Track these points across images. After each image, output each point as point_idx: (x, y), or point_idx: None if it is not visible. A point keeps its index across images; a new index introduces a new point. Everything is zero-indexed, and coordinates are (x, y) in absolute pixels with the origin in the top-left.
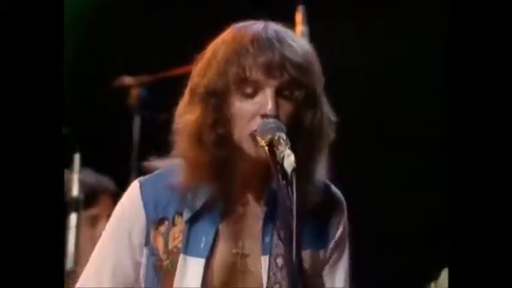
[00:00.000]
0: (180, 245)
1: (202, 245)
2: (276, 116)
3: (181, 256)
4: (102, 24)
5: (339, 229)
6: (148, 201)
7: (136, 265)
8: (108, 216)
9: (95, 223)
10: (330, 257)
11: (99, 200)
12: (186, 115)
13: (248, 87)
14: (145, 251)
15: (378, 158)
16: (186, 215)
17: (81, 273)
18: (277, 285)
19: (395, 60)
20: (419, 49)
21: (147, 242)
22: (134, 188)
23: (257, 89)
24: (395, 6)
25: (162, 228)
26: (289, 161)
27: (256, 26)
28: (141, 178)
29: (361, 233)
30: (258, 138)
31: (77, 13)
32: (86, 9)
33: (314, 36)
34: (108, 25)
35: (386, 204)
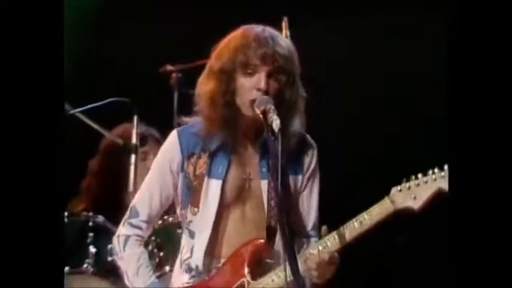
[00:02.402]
0: (204, 171)
1: (219, 171)
2: (267, 91)
3: (205, 178)
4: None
5: (312, 163)
6: (183, 142)
7: (175, 185)
8: (154, 153)
9: (145, 157)
10: (306, 183)
11: (148, 142)
12: (203, 85)
13: (249, 69)
14: (180, 175)
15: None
16: (208, 151)
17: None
18: (272, 200)
19: (394, 60)
20: (418, 49)
21: (182, 169)
22: (173, 134)
23: (255, 71)
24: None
25: (192, 160)
26: (276, 123)
27: (258, 28)
28: (178, 128)
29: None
30: (255, 109)
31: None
32: None
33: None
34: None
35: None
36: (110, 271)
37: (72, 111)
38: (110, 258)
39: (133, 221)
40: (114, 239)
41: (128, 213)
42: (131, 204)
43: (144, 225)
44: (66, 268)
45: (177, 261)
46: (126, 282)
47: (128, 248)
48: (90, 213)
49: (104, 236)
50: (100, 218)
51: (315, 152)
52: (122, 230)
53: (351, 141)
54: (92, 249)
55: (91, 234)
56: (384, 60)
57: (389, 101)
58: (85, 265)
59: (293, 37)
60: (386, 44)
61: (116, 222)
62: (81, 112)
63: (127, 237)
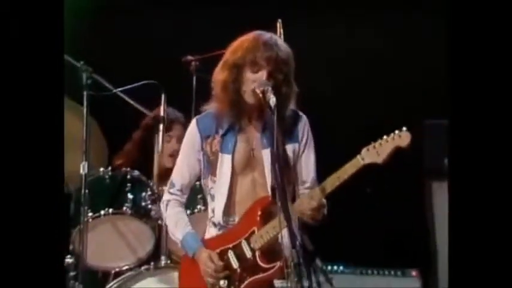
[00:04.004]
0: (218, 148)
1: (229, 147)
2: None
3: (219, 154)
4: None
5: (305, 132)
6: (200, 128)
7: (199, 161)
8: (178, 137)
9: (169, 140)
10: (303, 149)
11: (173, 128)
12: (219, 74)
13: (255, 67)
14: (201, 153)
15: None
16: (220, 132)
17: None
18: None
19: (395, 59)
20: (418, 49)
21: (202, 148)
22: (193, 122)
23: (259, 69)
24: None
25: (209, 140)
26: (272, 100)
27: (267, 35)
28: (197, 116)
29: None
30: (256, 90)
31: None
32: None
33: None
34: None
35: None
36: (143, 213)
37: (114, 90)
38: (143, 204)
39: (171, 190)
40: (160, 204)
41: (168, 184)
42: (170, 178)
43: (179, 193)
44: (111, 209)
45: (208, 220)
46: (170, 234)
47: (168, 209)
48: (129, 169)
49: (139, 186)
50: (136, 172)
51: (307, 123)
52: (164, 197)
53: (348, 134)
54: (130, 196)
55: (129, 184)
56: (383, 60)
57: (389, 100)
58: (124, 208)
59: (286, 37)
60: (386, 43)
61: (147, 175)
62: (122, 92)
63: (168, 202)
